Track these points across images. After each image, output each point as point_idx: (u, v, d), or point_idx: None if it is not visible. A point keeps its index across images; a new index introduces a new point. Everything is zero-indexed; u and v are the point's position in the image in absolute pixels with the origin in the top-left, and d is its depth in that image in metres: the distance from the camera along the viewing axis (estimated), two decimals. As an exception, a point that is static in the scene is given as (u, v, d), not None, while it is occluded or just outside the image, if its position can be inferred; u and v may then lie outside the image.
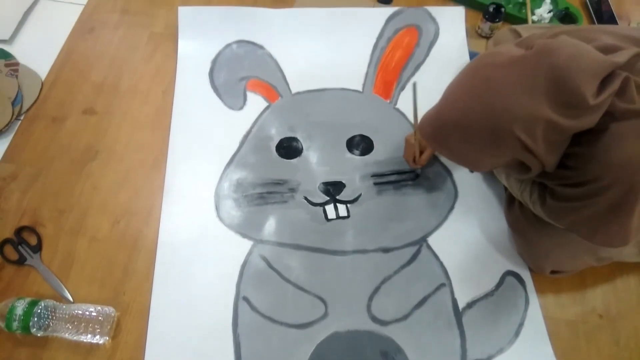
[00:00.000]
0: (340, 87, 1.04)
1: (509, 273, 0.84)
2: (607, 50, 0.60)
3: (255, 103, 1.01)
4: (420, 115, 0.75)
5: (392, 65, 1.07)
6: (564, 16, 1.14)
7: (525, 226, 0.80)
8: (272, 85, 1.03)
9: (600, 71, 0.56)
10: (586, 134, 0.59)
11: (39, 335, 0.72)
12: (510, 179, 0.80)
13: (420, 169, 0.92)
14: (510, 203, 0.85)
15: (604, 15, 1.16)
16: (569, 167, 0.63)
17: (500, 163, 0.65)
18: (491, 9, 1.09)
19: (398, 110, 1.02)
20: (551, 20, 1.13)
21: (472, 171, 0.91)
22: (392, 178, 0.93)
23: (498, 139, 0.59)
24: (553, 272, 0.81)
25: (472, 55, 1.09)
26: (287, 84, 1.03)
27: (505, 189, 0.87)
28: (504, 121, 0.58)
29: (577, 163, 0.62)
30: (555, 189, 0.68)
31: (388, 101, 1.03)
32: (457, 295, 0.81)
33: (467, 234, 0.88)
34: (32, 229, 0.83)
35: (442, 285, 0.82)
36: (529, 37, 0.75)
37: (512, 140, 0.58)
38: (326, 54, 1.07)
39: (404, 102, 1.03)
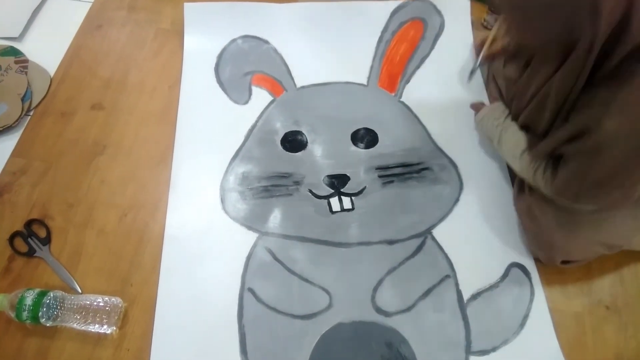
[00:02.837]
0: (345, 81, 1.04)
1: (515, 265, 0.84)
2: None
3: (261, 97, 1.01)
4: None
5: (397, 58, 1.06)
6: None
7: (536, 214, 0.78)
8: (277, 79, 1.03)
9: None
10: (606, 78, 0.60)
11: (48, 325, 0.73)
12: (523, 160, 0.78)
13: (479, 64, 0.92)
14: (520, 191, 0.84)
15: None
16: (581, 122, 0.63)
17: (553, 34, 0.62)
18: (496, 1, 1.08)
19: (403, 103, 1.02)
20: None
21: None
22: (397, 171, 0.93)
23: None
24: (563, 262, 0.80)
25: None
26: (292, 78, 1.04)
27: (514, 177, 0.86)
28: None
29: (590, 116, 0.62)
30: (567, 152, 0.68)
31: (393, 94, 1.03)
32: (461, 287, 0.81)
33: (472, 225, 0.88)
34: (41, 222, 0.85)
35: (447, 276, 0.82)
36: None
37: None
38: (331, 48, 1.07)
39: (409, 95, 1.03)
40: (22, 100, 0.98)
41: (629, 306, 0.81)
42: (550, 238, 0.78)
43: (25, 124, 0.97)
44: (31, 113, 0.98)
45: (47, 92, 1.01)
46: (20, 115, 0.96)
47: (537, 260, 0.84)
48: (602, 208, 0.71)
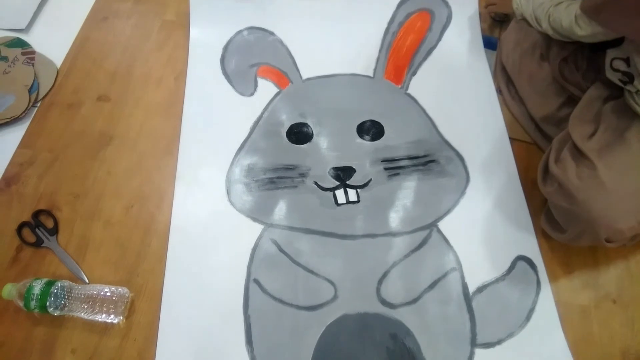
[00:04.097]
0: (351, 73, 1.04)
1: (521, 258, 0.83)
2: None
3: (266, 89, 1.01)
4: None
5: (404, 50, 1.06)
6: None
7: (570, 189, 0.73)
8: (282, 71, 1.03)
9: None
10: None
11: (55, 314, 0.74)
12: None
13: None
14: (545, 175, 0.80)
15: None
16: None
17: None
18: (505, -8, 1.07)
19: (409, 95, 1.01)
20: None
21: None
22: (403, 163, 0.93)
23: None
24: (608, 240, 0.74)
25: (485, 39, 1.08)
26: (298, 70, 1.03)
27: (522, 168, 0.85)
28: None
29: None
30: None
31: (399, 86, 1.02)
32: (467, 280, 0.81)
33: (478, 219, 0.87)
34: (48, 213, 0.85)
35: (453, 269, 0.82)
36: None
37: None
38: (337, 40, 1.07)
39: (416, 87, 1.02)
40: (29, 91, 0.98)
41: (637, 300, 0.81)
42: (590, 211, 0.71)
43: (32, 116, 0.97)
44: (38, 104, 0.99)
45: (53, 84, 1.01)
46: (28, 106, 0.97)
47: (548, 241, 0.83)
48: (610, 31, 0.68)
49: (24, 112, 0.96)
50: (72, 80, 1.02)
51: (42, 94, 0.99)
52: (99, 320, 0.75)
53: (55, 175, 0.90)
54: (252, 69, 1.03)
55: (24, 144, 0.94)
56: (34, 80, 1.00)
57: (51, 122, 0.96)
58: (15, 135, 0.94)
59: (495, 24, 1.12)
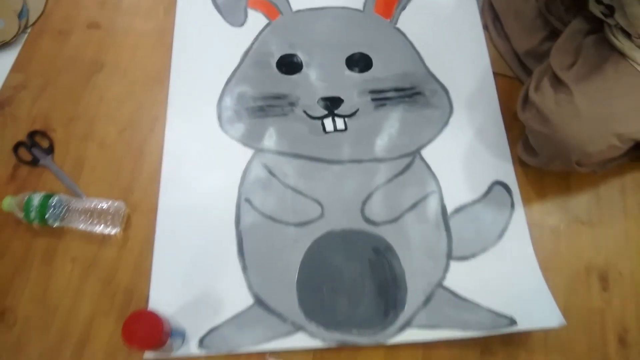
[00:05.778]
0: (341, 6, 1.04)
1: (498, 183, 0.88)
2: None
3: (256, 20, 1.02)
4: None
5: (394, -16, 1.06)
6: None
7: (546, 114, 0.77)
8: (272, 2, 1.03)
9: None
10: None
11: (55, 225, 0.77)
12: None
13: None
14: (525, 102, 0.84)
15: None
16: None
17: None
18: None
19: (398, 29, 1.03)
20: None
21: None
22: (390, 94, 0.95)
23: None
24: (578, 164, 0.79)
25: (474, -24, 1.09)
26: (288, 1, 1.04)
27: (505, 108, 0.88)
28: None
29: None
30: None
31: (388, 20, 1.03)
32: (446, 202, 0.86)
33: (459, 147, 0.91)
34: (43, 134, 0.87)
35: (433, 192, 0.86)
36: None
37: None
38: (328, -28, 1.07)
39: (405, 22, 1.03)
40: (19, 17, 0.98)
41: (603, 222, 0.86)
42: (563, 134, 0.76)
43: (23, 41, 0.97)
44: (28, 30, 0.99)
45: (43, 10, 1.01)
46: (18, 32, 0.97)
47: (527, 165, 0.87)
48: None
49: (14, 37, 0.96)
50: (61, 7, 1.02)
51: (32, 20, 0.99)
52: (97, 231, 0.78)
53: (49, 99, 0.92)
54: (242, 0, 1.03)
55: (16, 68, 0.94)
56: (23, 6, 0.99)
57: (42, 48, 0.97)
58: (6, 59, 0.95)
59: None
